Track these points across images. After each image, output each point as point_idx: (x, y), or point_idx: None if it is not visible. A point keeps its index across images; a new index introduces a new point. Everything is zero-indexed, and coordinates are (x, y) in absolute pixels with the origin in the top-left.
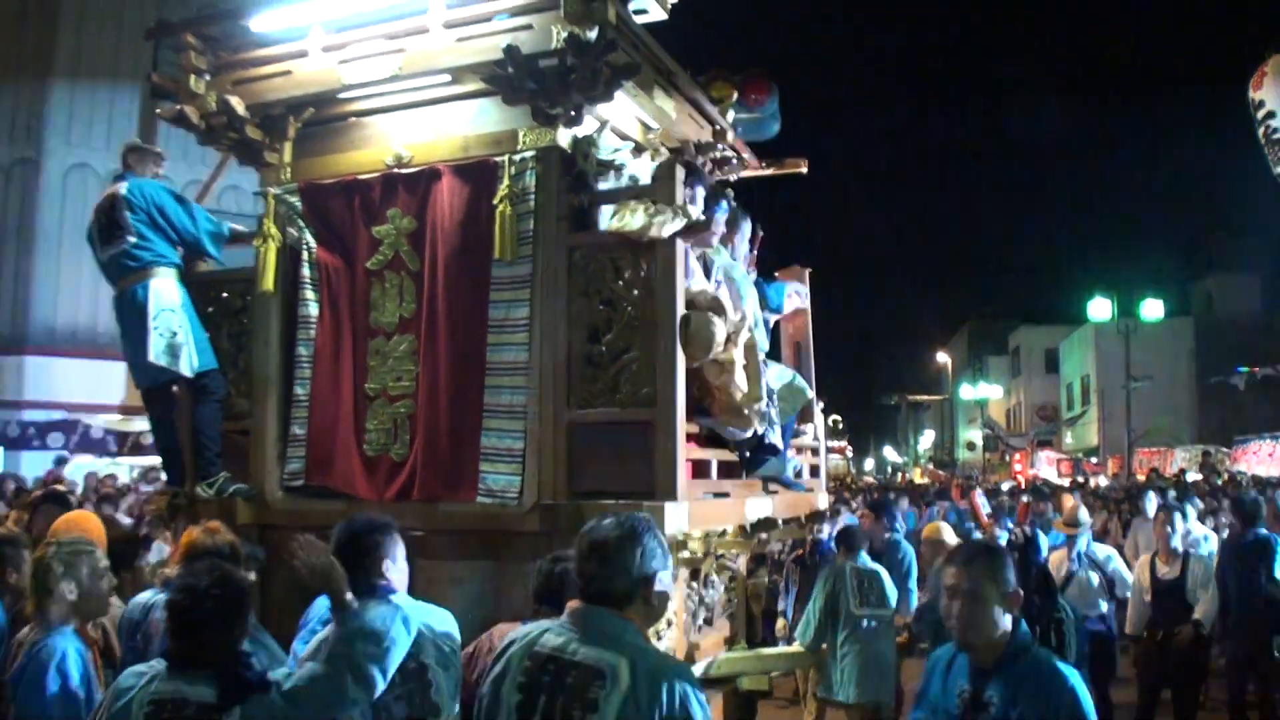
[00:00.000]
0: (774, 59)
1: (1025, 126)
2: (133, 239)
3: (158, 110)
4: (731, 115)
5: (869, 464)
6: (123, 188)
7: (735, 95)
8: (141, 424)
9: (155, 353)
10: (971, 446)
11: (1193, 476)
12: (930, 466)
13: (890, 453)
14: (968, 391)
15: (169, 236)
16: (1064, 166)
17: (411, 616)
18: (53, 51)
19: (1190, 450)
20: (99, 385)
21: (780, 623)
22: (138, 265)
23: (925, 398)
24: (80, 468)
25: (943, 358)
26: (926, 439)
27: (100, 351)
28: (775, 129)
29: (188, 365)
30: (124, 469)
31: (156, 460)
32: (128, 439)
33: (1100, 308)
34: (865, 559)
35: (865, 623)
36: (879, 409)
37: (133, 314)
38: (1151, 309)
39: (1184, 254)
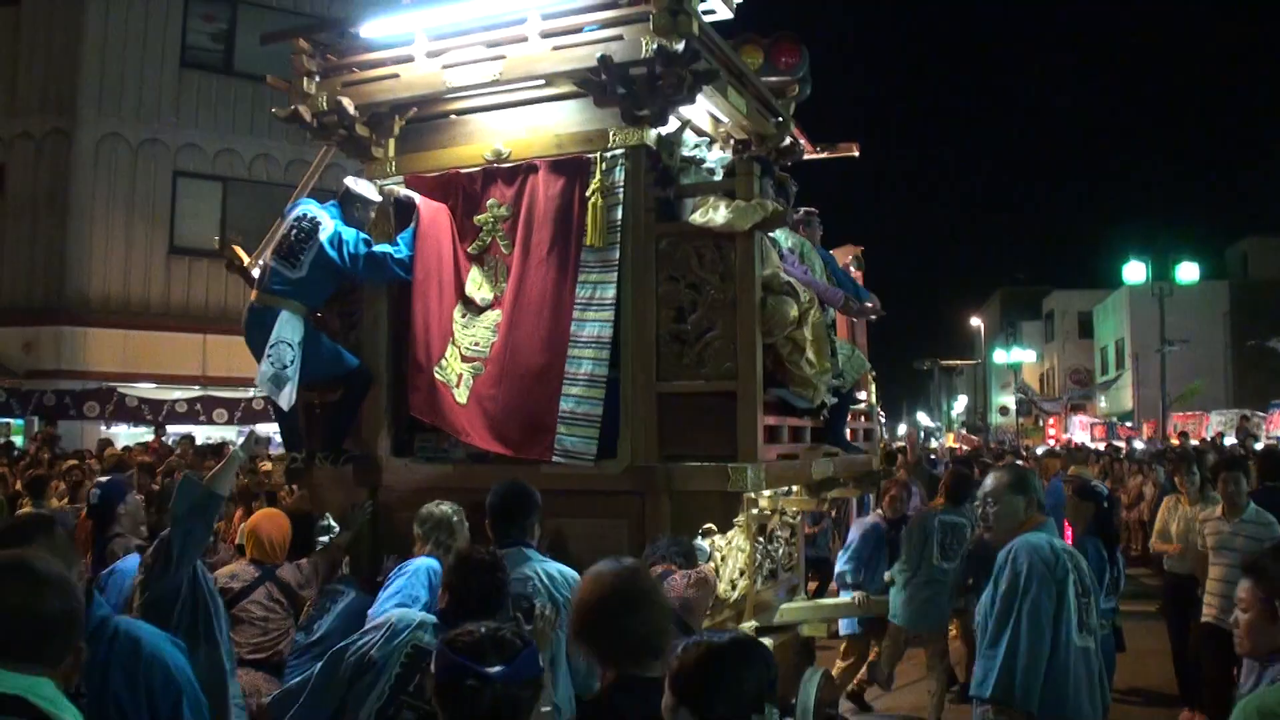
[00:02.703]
0: (810, 29)
1: (1061, 90)
2: (297, 274)
3: (274, 109)
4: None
5: (901, 429)
6: (327, 231)
7: (763, 59)
8: (178, 393)
9: (261, 378)
10: (1005, 411)
11: (1228, 441)
12: (964, 431)
13: (923, 417)
14: (1001, 356)
15: (333, 285)
16: (1099, 130)
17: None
18: (83, 21)
19: (1226, 414)
20: (134, 355)
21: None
22: (281, 292)
23: (958, 362)
24: (116, 437)
25: (976, 322)
26: (960, 404)
27: (134, 321)
28: (807, 92)
29: (286, 398)
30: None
31: (189, 429)
32: (163, 407)
33: (1135, 271)
34: (963, 510)
35: (939, 573)
36: (912, 373)
37: (259, 329)
38: (1187, 272)
39: (1220, 216)
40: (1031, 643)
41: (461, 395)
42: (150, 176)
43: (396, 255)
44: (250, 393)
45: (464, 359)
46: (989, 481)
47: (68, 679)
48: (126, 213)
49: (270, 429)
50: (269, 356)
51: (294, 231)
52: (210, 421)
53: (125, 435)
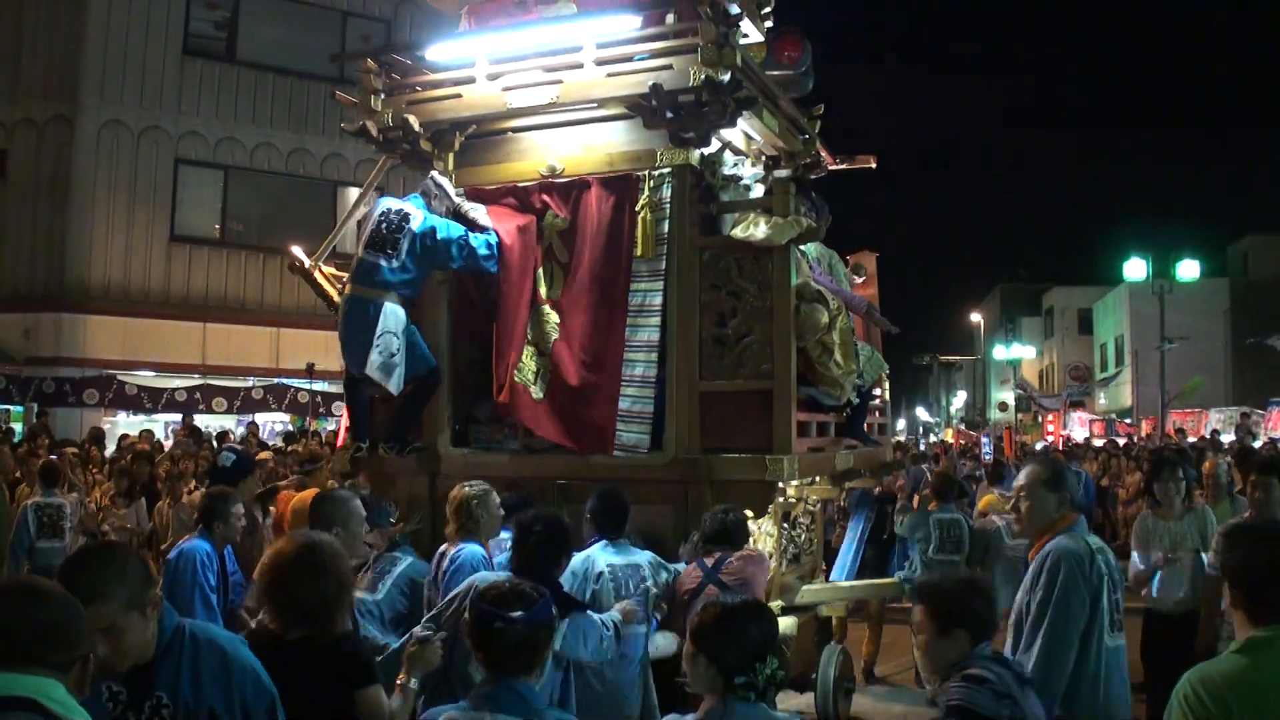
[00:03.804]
0: (809, 26)
1: (1061, 86)
2: (395, 264)
3: (342, 125)
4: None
5: (901, 424)
6: (418, 220)
7: (766, 52)
8: (177, 381)
9: (371, 366)
10: (1004, 407)
11: (1226, 439)
12: (962, 427)
13: (922, 413)
14: (1000, 352)
15: (428, 272)
16: (1101, 127)
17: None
18: (86, 7)
19: (1225, 412)
20: (134, 342)
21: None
22: (382, 284)
23: (958, 358)
24: (115, 425)
25: (976, 318)
26: (959, 399)
27: (135, 309)
28: (809, 85)
29: (395, 384)
30: (159, 425)
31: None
32: (162, 395)
33: (1135, 268)
34: (951, 509)
35: (938, 565)
36: (911, 369)
37: (361, 321)
38: (1188, 269)
39: (1222, 214)
40: (1061, 651)
41: (539, 391)
42: (152, 164)
43: (491, 245)
44: (249, 381)
45: (539, 353)
46: (1022, 475)
47: (79, 687)
48: (128, 200)
49: (267, 419)
50: (377, 346)
51: (384, 225)
52: (209, 410)
53: (124, 424)
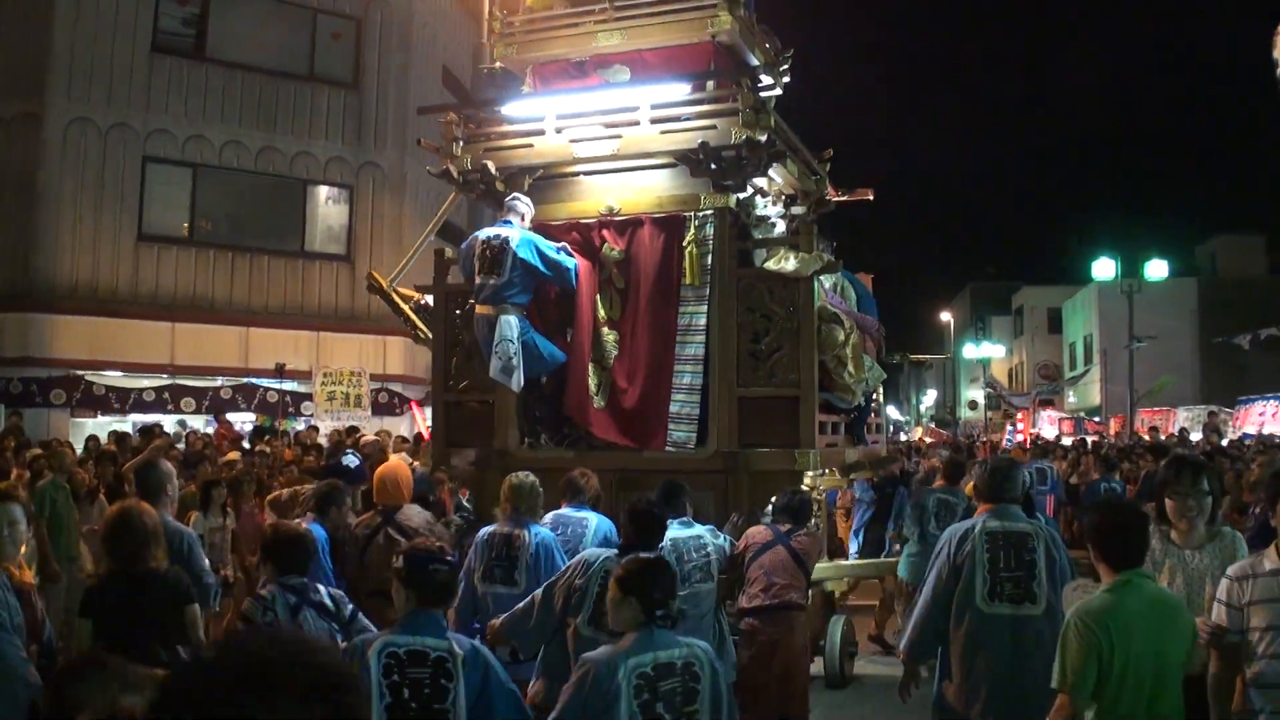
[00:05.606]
0: (789, 26)
1: (1030, 84)
2: (502, 280)
3: (428, 168)
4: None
5: None
6: (516, 239)
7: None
8: (146, 381)
9: (494, 370)
10: (974, 405)
11: (1194, 436)
12: (932, 425)
13: (893, 411)
14: (970, 351)
15: (533, 282)
16: (1069, 126)
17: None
18: (53, 3)
19: (1193, 410)
20: (101, 343)
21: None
22: (496, 300)
23: (928, 357)
24: (81, 425)
25: (945, 317)
26: (929, 398)
27: (102, 309)
28: (784, 81)
29: (516, 383)
30: (127, 425)
31: (157, 418)
32: (130, 396)
33: (1104, 268)
34: (953, 490)
35: (933, 539)
36: (882, 367)
37: (486, 333)
38: (1156, 269)
39: (1190, 214)
40: (924, 611)
41: (601, 400)
42: (119, 162)
43: (576, 269)
44: (218, 381)
45: (601, 368)
46: None
47: None
48: (95, 198)
49: (235, 419)
50: (496, 353)
51: (488, 250)
52: (178, 410)
53: (92, 425)
